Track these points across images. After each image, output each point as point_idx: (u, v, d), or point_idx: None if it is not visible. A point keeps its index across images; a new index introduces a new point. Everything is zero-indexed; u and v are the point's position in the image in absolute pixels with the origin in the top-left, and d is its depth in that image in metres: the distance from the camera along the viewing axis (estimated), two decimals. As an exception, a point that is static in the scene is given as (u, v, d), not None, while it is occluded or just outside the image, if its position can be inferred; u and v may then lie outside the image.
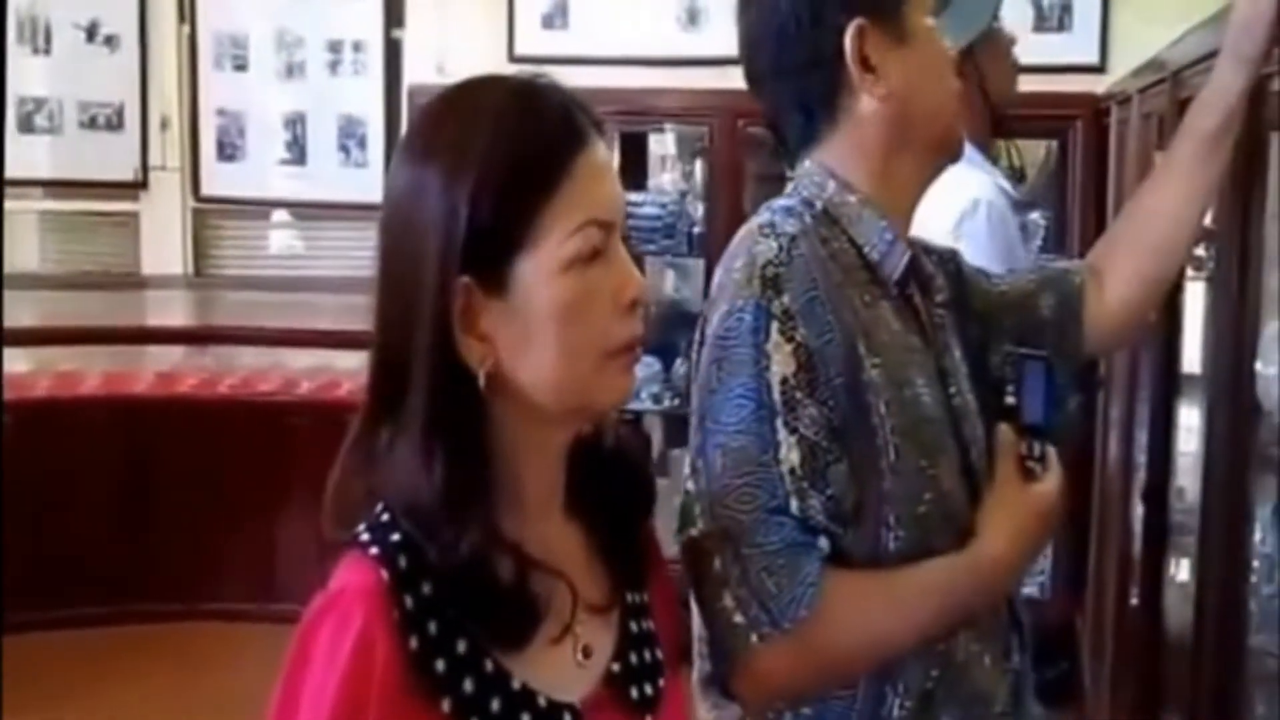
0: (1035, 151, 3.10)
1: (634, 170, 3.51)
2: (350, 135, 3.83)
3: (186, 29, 3.88)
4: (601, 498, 0.91)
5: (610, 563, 0.91)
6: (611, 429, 0.93)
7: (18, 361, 3.93)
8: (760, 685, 1.02)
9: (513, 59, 3.45)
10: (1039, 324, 1.25)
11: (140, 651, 3.29)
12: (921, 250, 1.20)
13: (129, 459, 3.51)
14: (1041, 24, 3.14)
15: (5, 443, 3.21)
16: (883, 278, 1.09)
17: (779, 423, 1.00)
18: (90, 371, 3.80)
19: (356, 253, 3.87)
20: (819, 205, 1.11)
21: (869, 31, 1.08)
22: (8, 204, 3.96)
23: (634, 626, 0.91)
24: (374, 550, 0.82)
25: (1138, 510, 1.99)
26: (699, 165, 3.55)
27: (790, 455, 1.00)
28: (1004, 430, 1.07)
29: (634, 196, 3.34)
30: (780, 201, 1.13)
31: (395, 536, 0.82)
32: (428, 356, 0.83)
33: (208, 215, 4.03)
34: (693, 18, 3.44)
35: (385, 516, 0.83)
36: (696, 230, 3.41)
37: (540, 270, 0.83)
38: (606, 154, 0.87)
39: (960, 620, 1.06)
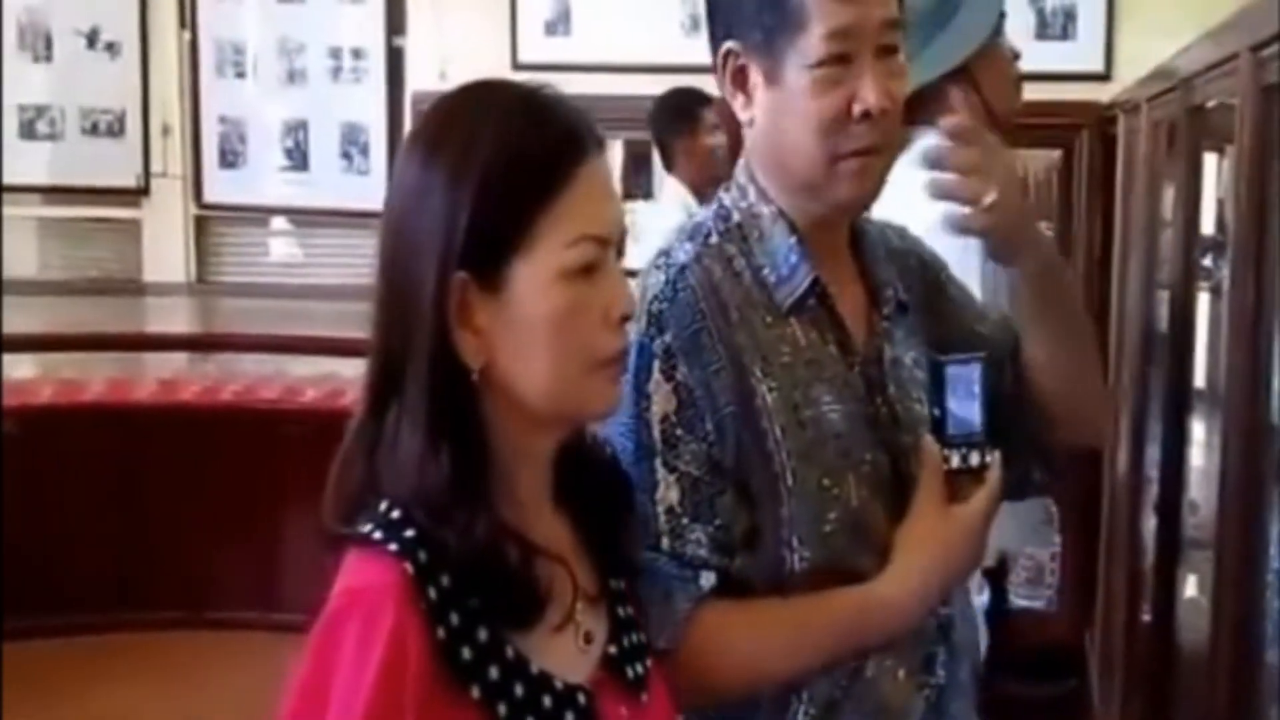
0: (1040, 161, 3.07)
1: (639, 178, 3.49)
2: (352, 142, 3.81)
3: (188, 35, 3.86)
4: (584, 494, 0.94)
5: (595, 554, 0.94)
6: (589, 432, 0.96)
7: (20, 368, 3.93)
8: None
9: (516, 66, 3.42)
10: (1002, 397, 1.16)
11: (141, 659, 3.26)
12: (897, 250, 1.16)
13: (131, 465, 3.48)
14: (1044, 32, 3.10)
15: (7, 449, 3.24)
16: (778, 302, 1.06)
17: (657, 462, 1.02)
18: (92, 378, 3.78)
19: (358, 260, 3.84)
20: (735, 217, 1.10)
21: (746, 58, 1.06)
22: (8, 210, 3.98)
23: (620, 612, 0.94)
24: (392, 547, 0.82)
25: (1149, 525, 1.96)
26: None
27: (669, 494, 1.01)
28: (928, 442, 1.04)
29: (639, 204, 3.32)
30: (701, 213, 1.13)
31: (410, 532, 0.83)
32: (426, 349, 0.84)
33: (209, 222, 4.00)
34: (696, 24, 3.41)
35: (396, 514, 0.84)
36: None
37: (534, 276, 0.85)
38: (608, 171, 0.90)
39: (856, 653, 1.04)
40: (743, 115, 1.09)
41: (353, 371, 3.46)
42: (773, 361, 1.04)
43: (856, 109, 1.02)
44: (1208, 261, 1.81)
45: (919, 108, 1.89)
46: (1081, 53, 3.05)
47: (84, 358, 3.86)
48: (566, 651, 0.89)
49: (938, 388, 1.03)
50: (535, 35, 3.46)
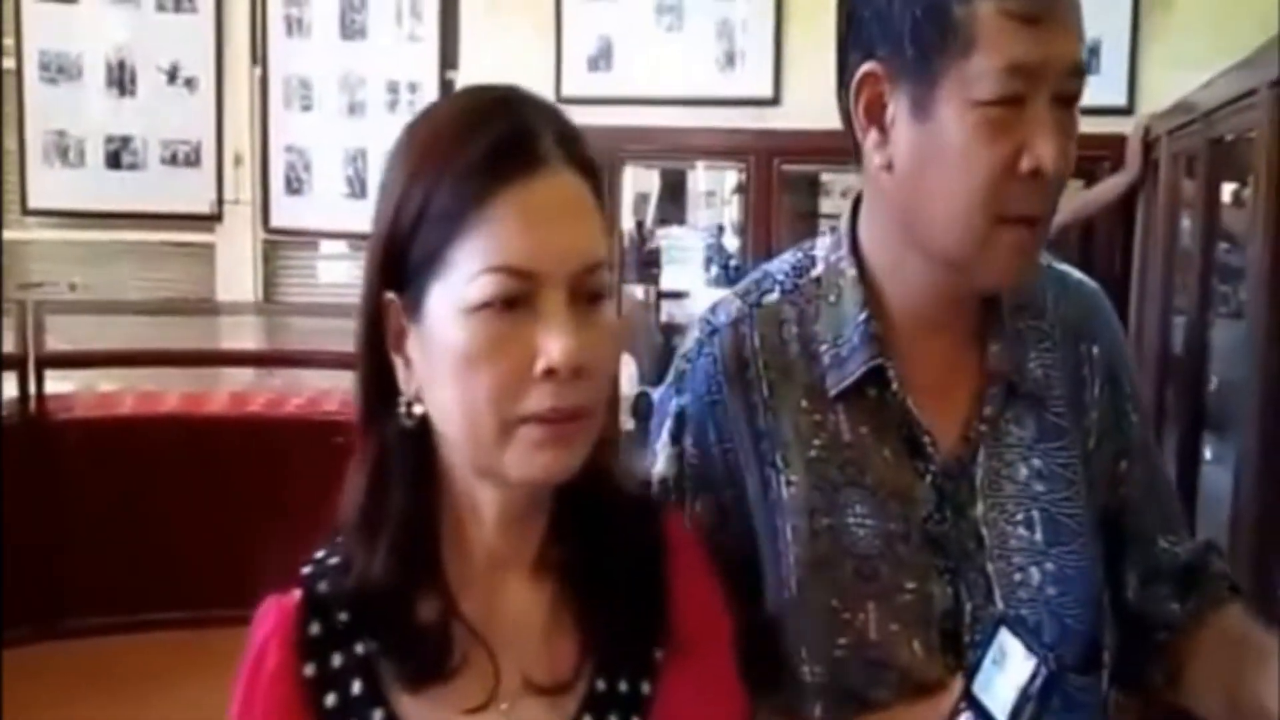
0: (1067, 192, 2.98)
1: (674, 205, 3.47)
2: (407, 171, 3.83)
3: (258, 71, 3.89)
4: (595, 560, 0.78)
5: (591, 638, 0.78)
6: (614, 481, 0.79)
7: (104, 381, 4.00)
8: None
9: (560, 99, 3.40)
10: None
11: (213, 656, 3.27)
12: (1065, 319, 0.91)
13: (204, 471, 3.52)
14: (1070, 66, 3.01)
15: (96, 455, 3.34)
16: (826, 384, 0.85)
17: None
18: (170, 391, 3.82)
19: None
20: (818, 269, 0.90)
21: (890, 83, 0.83)
22: (102, 235, 4.05)
23: (603, 713, 0.77)
24: (305, 569, 0.80)
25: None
26: (736, 201, 3.50)
27: None
28: (957, 678, 0.80)
29: (674, 230, 3.31)
30: (785, 257, 0.93)
31: (333, 560, 0.79)
32: (364, 375, 0.79)
33: (276, 245, 4.04)
34: (730, 60, 3.37)
35: (340, 539, 0.81)
36: (734, 264, 3.36)
37: (444, 305, 0.72)
38: (566, 194, 0.72)
39: None
40: (875, 158, 0.85)
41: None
42: (798, 453, 0.84)
43: (1025, 164, 0.80)
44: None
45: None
46: (1105, 86, 2.95)
47: (162, 372, 3.91)
48: None
49: (985, 642, 0.77)
50: (579, 70, 3.45)
